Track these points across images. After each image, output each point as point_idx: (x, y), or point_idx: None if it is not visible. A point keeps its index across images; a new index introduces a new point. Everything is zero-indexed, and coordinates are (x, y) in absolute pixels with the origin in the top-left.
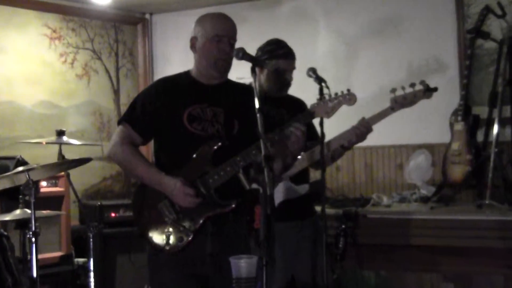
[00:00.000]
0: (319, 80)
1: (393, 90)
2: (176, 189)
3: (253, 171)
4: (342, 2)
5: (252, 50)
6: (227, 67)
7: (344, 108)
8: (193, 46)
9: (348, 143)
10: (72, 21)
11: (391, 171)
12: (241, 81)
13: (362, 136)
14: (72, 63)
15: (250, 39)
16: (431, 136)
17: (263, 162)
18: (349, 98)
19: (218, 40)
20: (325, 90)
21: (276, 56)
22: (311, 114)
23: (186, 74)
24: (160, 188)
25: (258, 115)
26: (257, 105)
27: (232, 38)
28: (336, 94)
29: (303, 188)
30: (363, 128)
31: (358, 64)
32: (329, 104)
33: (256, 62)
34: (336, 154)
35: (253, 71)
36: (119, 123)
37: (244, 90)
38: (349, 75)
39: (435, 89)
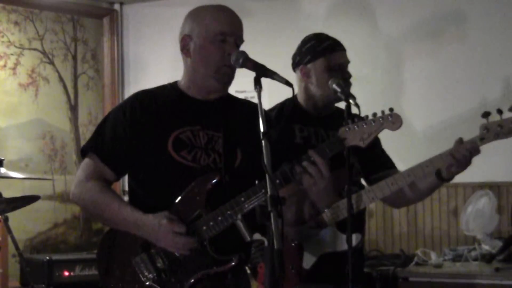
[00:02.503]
0: (346, 95)
1: (486, 115)
2: (161, 229)
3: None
4: None
5: (257, 53)
6: (232, 76)
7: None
8: (185, 48)
9: (448, 171)
10: (16, 12)
11: (442, 219)
12: (241, 96)
13: (465, 161)
14: (14, 69)
15: (254, 40)
16: (496, 173)
17: (269, 205)
18: (392, 120)
19: (222, 40)
20: (354, 110)
21: (322, 52)
22: (341, 141)
23: (173, 86)
24: (139, 232)
25: (263, 142)
26: (262, 128)
27: (239, 38)
28: (374, 115)
29: (354, 239)
30: (466, 151)
31: (403, 76)
32: (365, 128)
33: (262, 71)
34: (428, 185)
35: (257, 82)
36: (83, 153)
37: (251, 109)
38: (390, 89)
39: None
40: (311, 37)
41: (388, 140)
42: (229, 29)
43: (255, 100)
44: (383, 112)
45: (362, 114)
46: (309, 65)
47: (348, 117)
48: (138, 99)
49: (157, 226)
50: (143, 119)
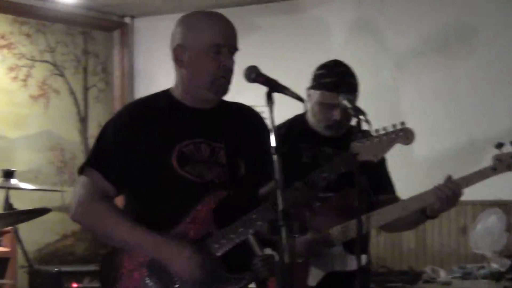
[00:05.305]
0: (356, 111)
1: (499, 145)
2: (180, 259)
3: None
4: (388, 6)
5: (264, 67)
6: (227, 86)
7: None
8: (178, 59)
9: (431, 210)
10: (27, 24)
11: (451, 236)
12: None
13: (448, 201)
14: (25, 80)
15: (262, 53)
16: (506, 191)
17: (280, 220)
18: (404, 135)
19: (217, 51)
20: (364, 126)
21: (320, 86)
22: (354, 156)
23: (167, 94)
24: (155, 254)
25: (275, 157)
26: (273, 142)
27: (234, 46)
28: (385, 129)
29: (362, 259)
30: (448, 191)
31: (409, 92)
32: (377, 143)
33: (274, 85)
34: (412, 219)
35: (269, 97)
36: (82, 171)
37: (250, 115)
38: (396, 106)
39: None
40: (325, 65)
41: (392, 162)
42: (223, 40)
43: (263, 115)
44: (395, 126)
45: (369, 128)
46: (311, 90)
47: (358, 131)
48: (135, 109)
49: (177, 252)
50: (143, 132)
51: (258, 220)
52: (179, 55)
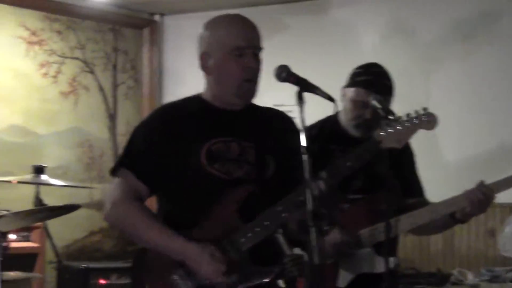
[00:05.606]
0: (385, 111)
1: None
2: (204, 264)
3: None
4: (414, 3)
5: (291, 66)
6: (254, 90)
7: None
8: (205, 66)
9: (462, 214)
10: (58, 21)
11: (479, 238)
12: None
13: (480, 206)
14: (55, 77)
15: (289, 52)
16: None
17: (309, 220)
18: (427, 120)
19: (240, 54)
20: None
21: (355, 83)
22: (377, 144)
23: (197, 98)
24: (181, 259)
25: (304, 156)
26: (303, 142)
27: (257, 47)
28: (408, 115)
29: (390, 262)
30: (481, 195)
31: (438, 96)
32: (400, 129)
33: (305, 85)
34: (441, 223)
35: (299, 97)
36: (114, 171)
37: (279, 117)
38: (426, 98)
39: None
40: (363, 66)
41: (422, 166)
42: (244, 42)
43: (292, 114)
44: (417, 111)
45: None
46: (345, 89)
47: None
48: (165, 112)
49: (199, 259)
50: (174, 132)
51: (284, 212)
52: (205, 62)
